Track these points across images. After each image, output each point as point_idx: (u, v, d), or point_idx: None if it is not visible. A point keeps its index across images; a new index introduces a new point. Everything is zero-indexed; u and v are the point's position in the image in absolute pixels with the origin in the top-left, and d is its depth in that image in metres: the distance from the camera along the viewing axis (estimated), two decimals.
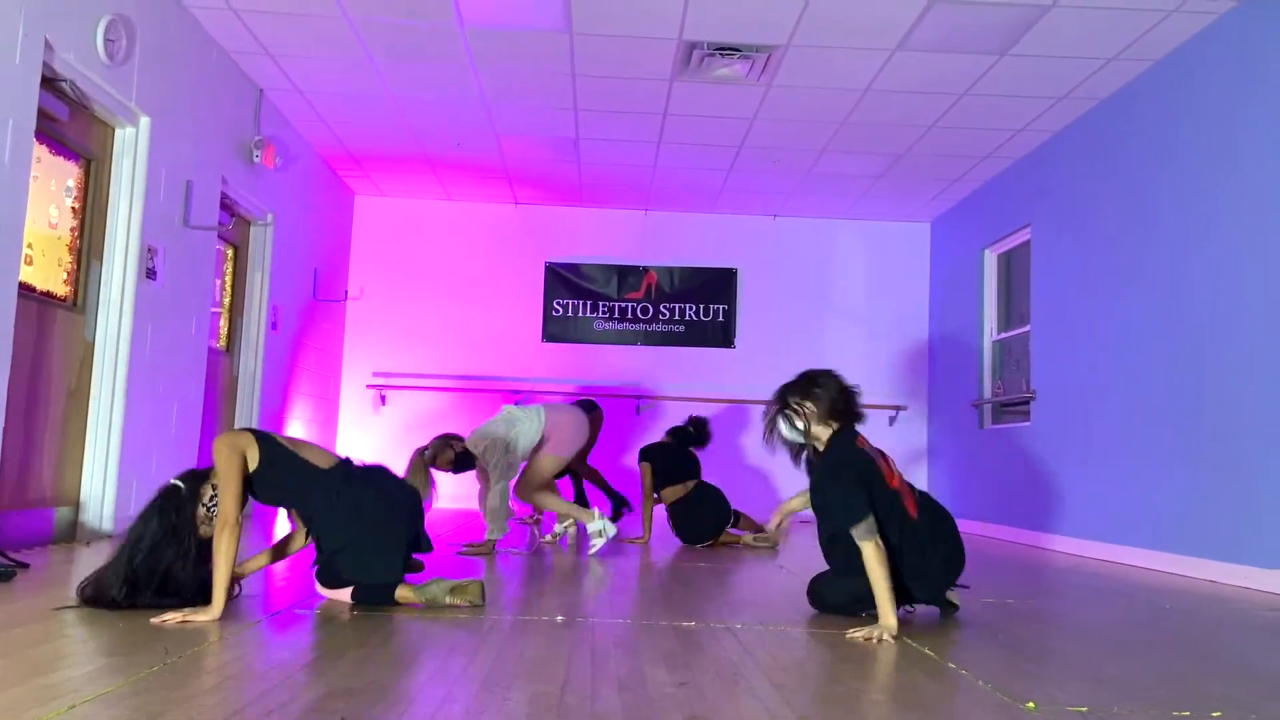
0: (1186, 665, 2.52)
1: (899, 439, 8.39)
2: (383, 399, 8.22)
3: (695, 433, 5.74)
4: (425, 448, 4.60)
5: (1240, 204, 4.43)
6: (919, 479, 8.38)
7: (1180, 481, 4.77)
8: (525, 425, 4.88)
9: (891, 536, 2.81)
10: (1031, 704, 1.95)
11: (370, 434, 8.18)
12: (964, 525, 7.38)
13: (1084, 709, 1.93)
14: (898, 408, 8.39)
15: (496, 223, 8.51)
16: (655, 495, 5.53)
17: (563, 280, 8.51)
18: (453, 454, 4.63)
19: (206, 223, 5.36)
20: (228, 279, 6.16)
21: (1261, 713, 1.97)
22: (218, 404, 6.04)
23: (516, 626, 2.60)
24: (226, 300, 6.16)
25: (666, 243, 8.59)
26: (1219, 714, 1.94)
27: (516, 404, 5.52)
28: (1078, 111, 5.88)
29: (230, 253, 6.17)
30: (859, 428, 2.99)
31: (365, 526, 2.79)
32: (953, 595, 3.13)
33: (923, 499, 3.05)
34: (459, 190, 8.12)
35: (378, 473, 2.98)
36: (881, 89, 5.67)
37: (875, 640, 2.57)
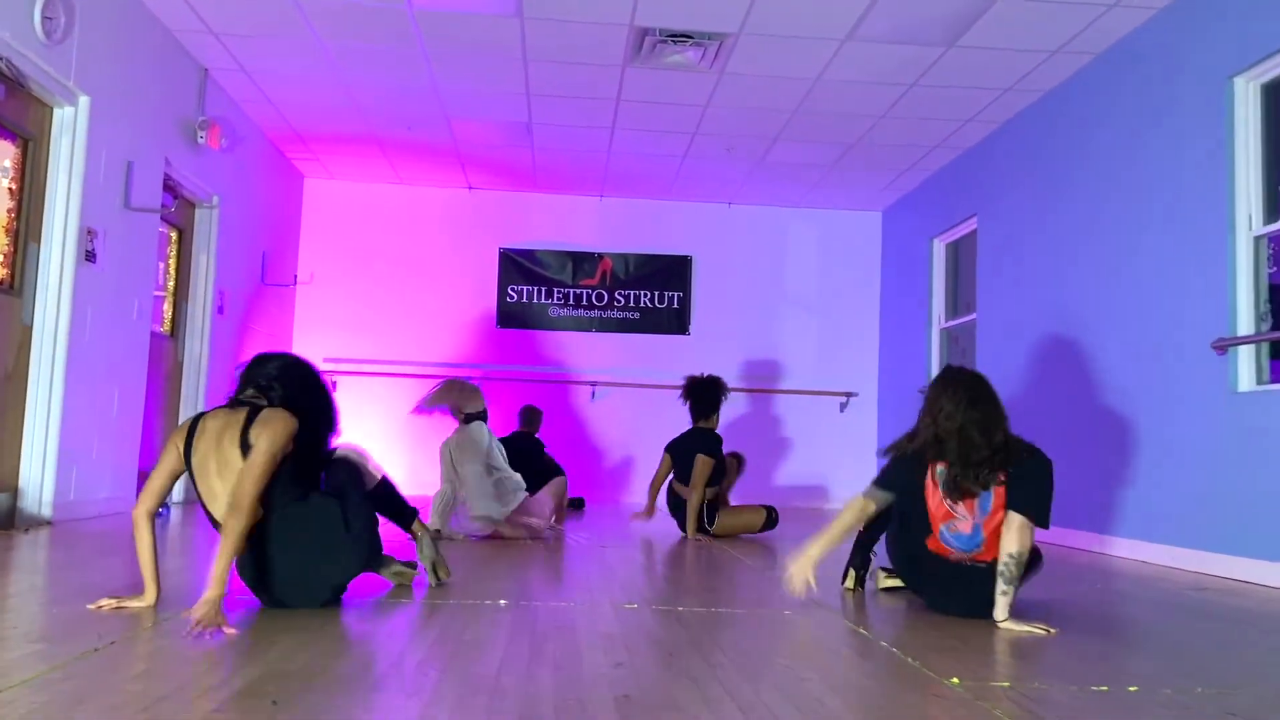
0: (1112, 644, 2.60)
1: (849, 425, 8.51)
2: (333, 385, 8.12)
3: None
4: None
5: (1177, 194, 4.55)
6: (868, 465, 8.49)
7: (1115, 465, 4.90)
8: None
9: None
10: (956, 680, 2.01)
11: None
12: None
13: (1006, 684, 1.99)
14: (848, 394, 8.50)
15: (450, 207, 8.45)
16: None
17: (517, 266, 8.48)
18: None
19: (149, 205, 5.26)
20: (172, 262, 6.05)
21: (1175, 687, 2.04)
22: (162, 389, 5.94)
23: (458, 611, 2.60)
24: (170, 284, 6.05)
25: (622, 229, 8.59)
26: (1135, 689, 2.01)
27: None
28: (1023, 103, 5.98)
29: (174, 236, 6.06)
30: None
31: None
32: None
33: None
34: (411, 174, 8.05)
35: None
36: (832, 79, 5.72)
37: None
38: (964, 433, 2.78)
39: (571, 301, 8.54)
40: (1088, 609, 3.15)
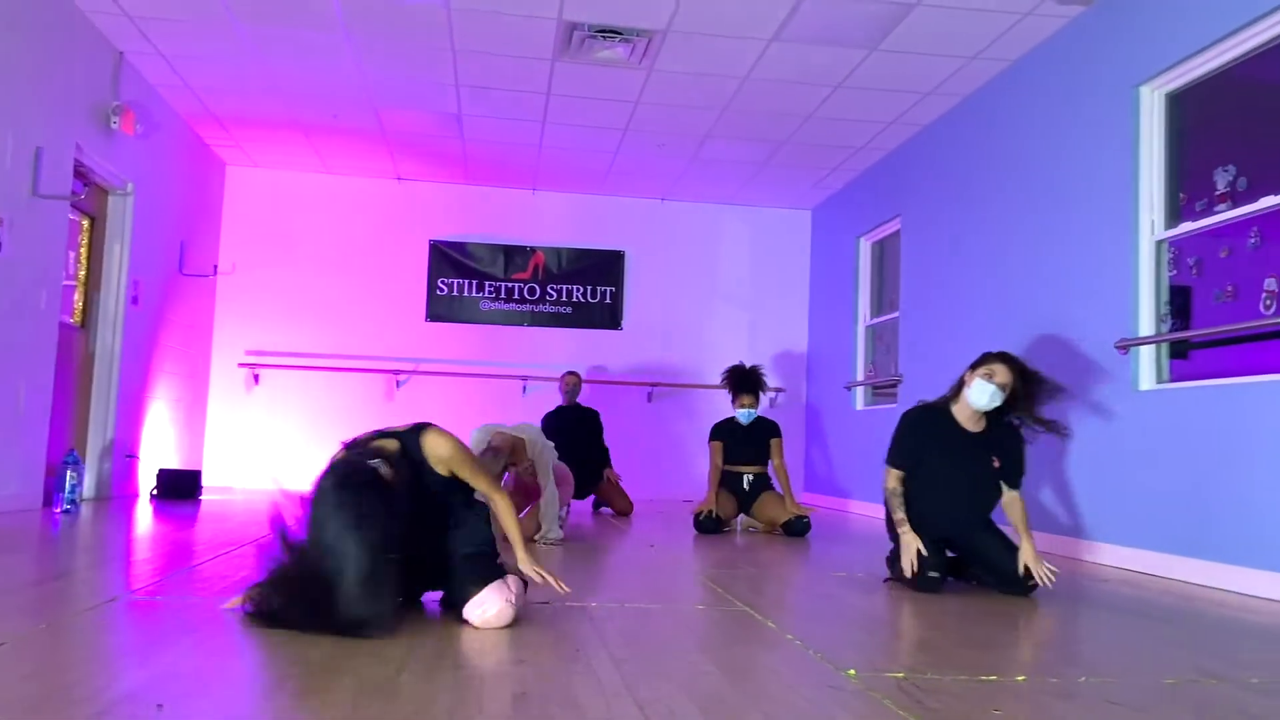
0: (1012, 635, 2.69)
1: (780, 419, 8.58)
2: (256, 378, 7.96)
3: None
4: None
5: (1086, 199, 4.70)
6: (797, 458, 8.62)
7: (1041, 461, 5.04)
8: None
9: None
10: (852, 671, 2.05)
11: (243, 414, 7.92)
12: (837, 503, 7.67)
13: (900, 674, 2.05)
14: (778, 390, 8.60)
15: (378, 198, 8.32)
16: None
17: (448, 259, 8.39)
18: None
19: (58, 191, 5.08)
20: (83, 251, 5.86)
21: (1062, 676, 2.12)
22: (73, 382, 5.75)
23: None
24: (82, 273, 5.86)
25: (555, 223, 8.57)
26: (1023, 678, 2.08)
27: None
28: (944, 107, 6.12)
29: (86, 224, 5.87)
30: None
31: None
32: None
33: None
34: (338, 163, 7.90)
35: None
36: (761, 78, 5.78)
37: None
38: None
39: (503, 295, 8.48)
40: (992, 601, 3.25)
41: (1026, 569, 3.28)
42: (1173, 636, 2.71)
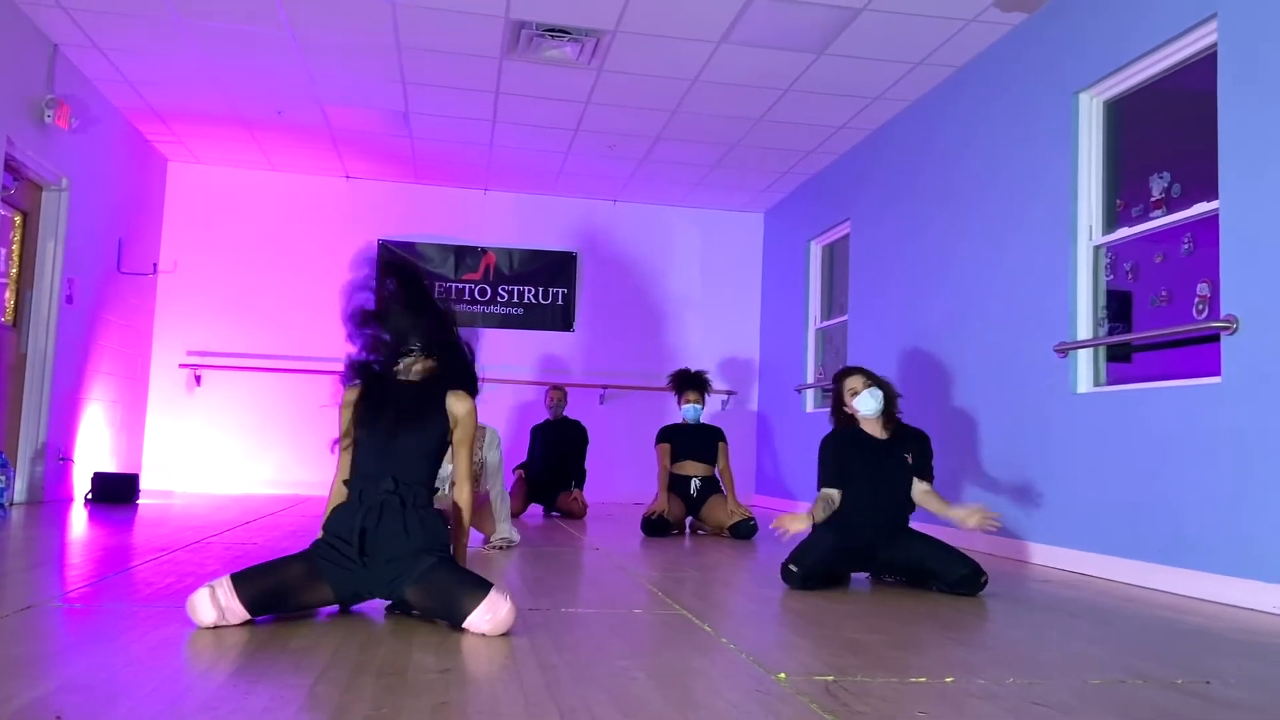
0: (943, 635, 2.70)
1: (731, 422, 8.61)
2: (198, 379, 7.79)
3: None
4: None
5: (1028, 205, 4.76)
6: (748, 461, 8.65)
7: (969, 465, 5.11)
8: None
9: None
10: (783, 675, 2.04)
11: (184, 416, 7.75)
12: (787, 505, 7.70)
13: (830, 677, 2.04)
14: (729, 393, 8.61)
15: (326, 196, 8.19)
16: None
17: (398, 259, 8.27)
18: None
19: None
20: (15, 248, 5.69)
21: (991, 677, 2.13)
22: (3, 383, 5.57)
23: (288, 620, 2.51)
24: (14, 271, 5.69)
25: (506, 224, 8.50)
26: (951, 679, 2.09)
27: None
28: (891, 111, 6.17)
29: (18, 220, 5.70)
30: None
31: None
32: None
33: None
34: (284, 160, 7.77)
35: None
36: (710, 80, 5.78)
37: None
38: None
39: (453, 296, 8.39)
40: (931, 603, 3.27)
41: (976, 566, 3.42)
42: (1104, 637, 2.74)
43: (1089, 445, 4.19)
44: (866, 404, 3.67)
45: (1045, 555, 4.42)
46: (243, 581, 2.34)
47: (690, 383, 5.90)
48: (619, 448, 8.39)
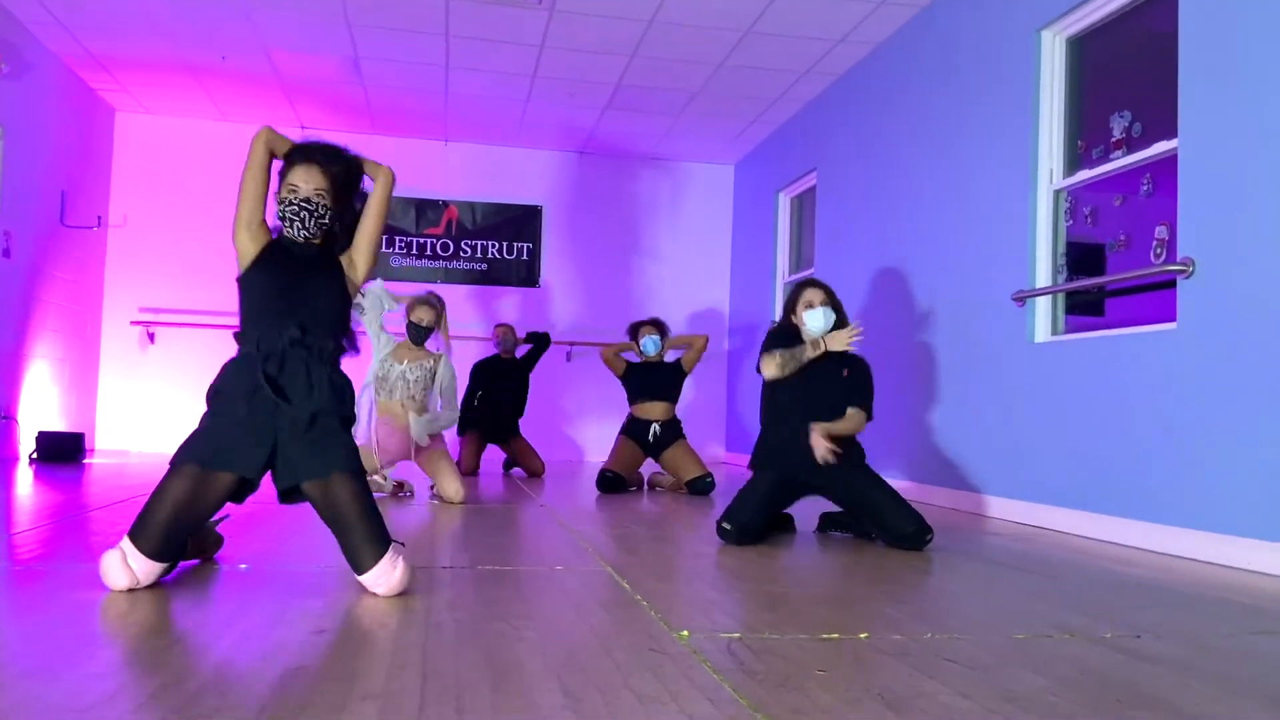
0: (873, 590, 2.59)
1: (700, 378, 8.50)
2: (151, 337, 7.60)
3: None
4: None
5: (988, 149, 4.60)
6: (718, 417, 8.54)
7: (927, 416, 4.99)
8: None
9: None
10: (685, 633, 1.92)
11: (138, 375, 7.57)
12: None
13: (736, 635, 1.92)
14: None
15: None
16: None
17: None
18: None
19: None
20: None
21: (909, 633, 2.02)
22: None
23: (186, 577, 2.38)
24: None
25: (468, 176, 8.28)
26: (865, 635, 1.97)
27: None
28: (857, 55, 5.96)
29: None
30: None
31: None
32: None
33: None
34: (235, 110, 7.51)
35: None
36: (666, 20, 5.56)
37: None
38: None
39: (415, 251, 8.20)
40: (875, 556, 3.16)
41: (922, 524, 3.29)
42: (1043, 591, 2.64)
43: (1046, 396, 4.07)
44: (815, 320, 3.53)
45: (1001, 509, 4.32)
46: (138, 536, 2.17)
47: (645, 322, 5.64)
48: (586, 405, 8.26)
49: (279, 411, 2.24)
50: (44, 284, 6.43)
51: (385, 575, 2.19)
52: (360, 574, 2.20)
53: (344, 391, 2.34)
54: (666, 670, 1.65)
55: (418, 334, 4.69)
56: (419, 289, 8.12)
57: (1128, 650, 1.93)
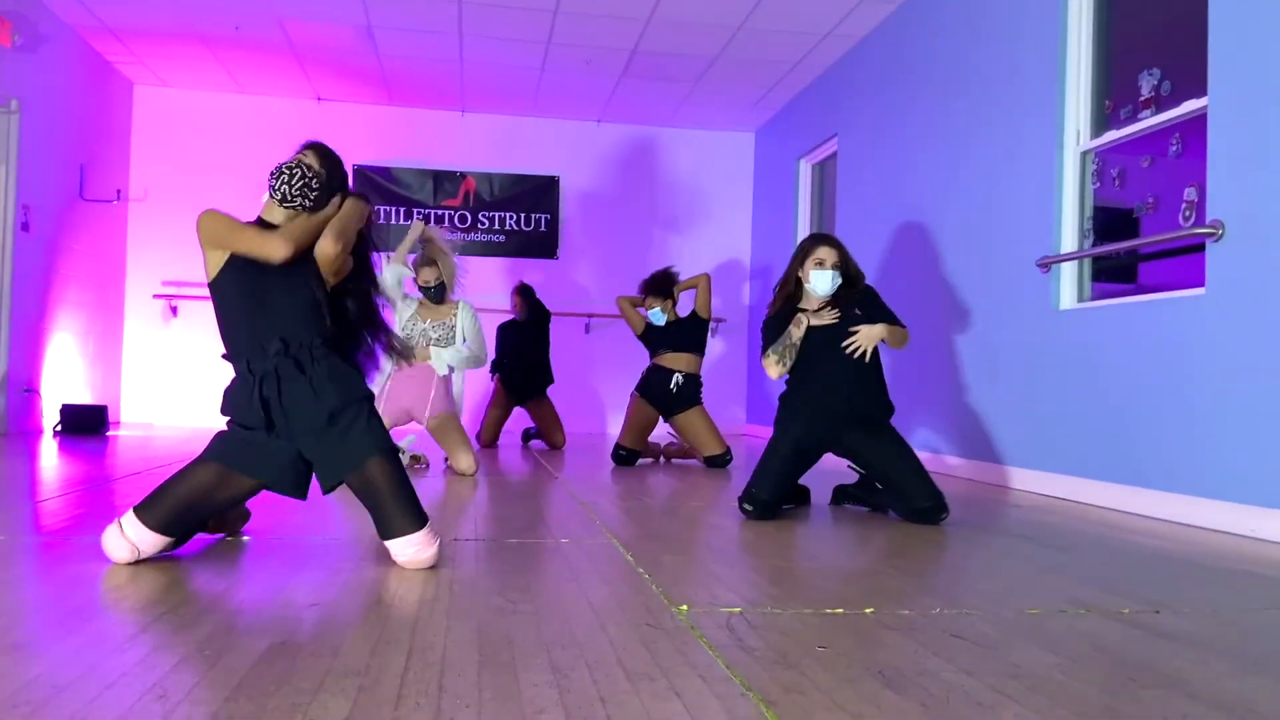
0: (886, 564, 2.53)
1: (722, 350, 8.43)
2: (174, 310, 7.64)
3: None
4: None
5: (1013, 109, 4.46)
6: (739, 389, 8.47)
7: (950, 386, 4.90)
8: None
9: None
10: (684, 607, 1.88)
11: (161, 347, 7.62)
12: (770, 432, 7.54)
13: (737, 609, 1.87)
14: (718, 320, 8.38)
15: (298, 120, 7.90)
16: None
17: (374, 185, 8.03)
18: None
19: None
20: None
21: (918, 608, 1.96)
22: None
23: (201, 551, 2.36)
24: None
25: (486, 147, 8.21)
26: (870, 610, 1.91)
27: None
28: (879, 16, 5.81)
29: None
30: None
31: None
32: None
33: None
34: (251, 82, 7.48)
35: None
36: None
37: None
38: None
39: (433, 223, 8.14)
40: (891, 529, 3.09)
41: (939, 501, 3.17)
42: (1060, 564, 2.56)
43: (1072, 364, 3.96)
44: (822, 282, 3.31)
45: (1024, 480, 4.23)
46: (146, 510, 2.16)
47: (651, 288, 5.39)
48: (606, 377, 8.22)
49: (291, 424, 2.21)
50: (64, 258, 6.47)
51: (415, 548, 2.17)
52: (387, 539, 2.18)
53: (348, 378, 2.28)
54: (660, 646, 1.60)
55: (431, 294, 4.69)
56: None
57: (1145, 626, 1.86)
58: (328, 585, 2.00)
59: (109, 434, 6.24)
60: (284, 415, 2.21)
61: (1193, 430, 3.29)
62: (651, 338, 5.45)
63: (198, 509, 2.20)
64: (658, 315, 5.39)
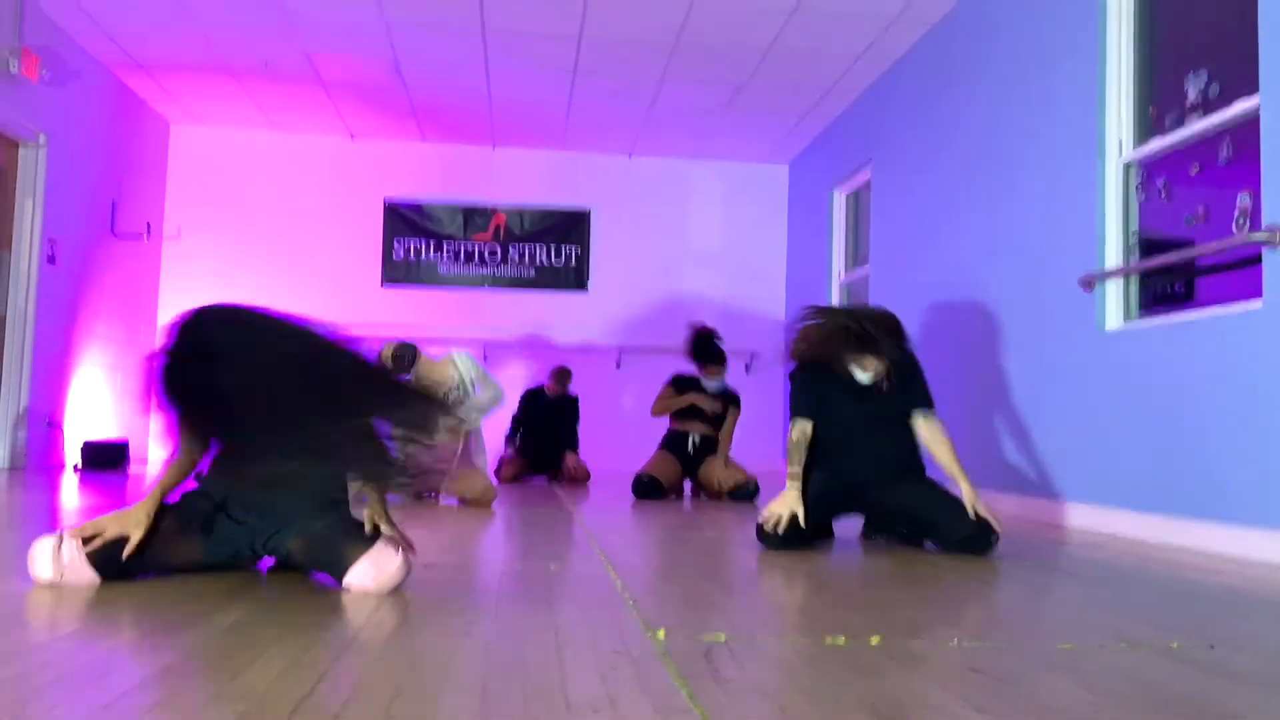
0: (907, 595, 2.28)
1: (757, 384, 8.17)
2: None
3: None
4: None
5: (1051, 122, 4.23)
6: (773, 425, 8.20)
7: (1005, 415, 4.61)
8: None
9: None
10: (661, 633, 1.66)
11: None
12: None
13: (720, 638, 1.65)
14: (753, 354, 8.15)
15: (331, 157, 7.93)
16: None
17: (404, 220, 8.01)
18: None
19: None
20: None
21: (933, 638, 1.72)
22: None
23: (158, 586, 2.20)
24: None
25: (516, 181, 8.15)
26: (877, 640, 1.67)
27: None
28: (913, 36, 5.63)
29: None
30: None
31: None
32: None
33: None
34: (283, 120, 7.52)
35: None
36: (705, 5, 5.32)
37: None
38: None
39: (463, 257, 8.09)
40: (916, 561, 2.83)
41: (980, 518, 2.87)
42: (1104, 599, 2.29)
43: (1120, 389, 3.67)
44: (860, 378, 3.13)
45: (1070, 514, 3.92)
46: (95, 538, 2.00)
47: (711, 353, 5.42)
48: (637, 413, 8.00)
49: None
50: (93, 292, 6.48)
51: (376, 565, 1.94)
52: (346, 574, 1.96)
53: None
54: (621, 673, 1.39)
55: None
56: (466, 294, 8.06)
57: (1196, 662, 1.60)
58: (264, 608, 1.82)
59: (129, 470, 6.18)
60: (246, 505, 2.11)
61: (1251, 455, 2.99)
62: (690, 413, 5.46)
63: (139, 560, 2.02)
64: (719, 385, 5.46)
